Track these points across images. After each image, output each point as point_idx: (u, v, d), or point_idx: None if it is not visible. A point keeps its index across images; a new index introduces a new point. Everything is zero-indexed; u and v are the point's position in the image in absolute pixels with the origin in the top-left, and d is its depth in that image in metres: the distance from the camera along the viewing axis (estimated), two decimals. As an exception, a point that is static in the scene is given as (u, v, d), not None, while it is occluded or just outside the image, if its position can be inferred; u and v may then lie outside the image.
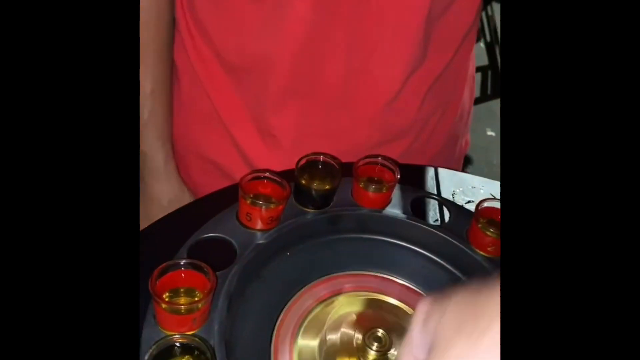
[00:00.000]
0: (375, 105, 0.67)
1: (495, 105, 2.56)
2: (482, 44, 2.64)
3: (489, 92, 2.61)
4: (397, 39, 0.62)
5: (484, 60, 2.61)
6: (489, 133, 2.51)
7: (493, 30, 2.53)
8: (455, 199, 0.72)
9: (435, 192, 0.70)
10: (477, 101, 2.58)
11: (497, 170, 2.26)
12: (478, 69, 2.72)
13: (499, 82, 2.51)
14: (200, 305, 0.45)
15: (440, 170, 0.75)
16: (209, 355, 0.41)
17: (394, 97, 0.67)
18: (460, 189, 0.74)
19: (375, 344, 0.49)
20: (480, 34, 2.59)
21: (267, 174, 0.56)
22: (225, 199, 0.57)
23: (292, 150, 0.67)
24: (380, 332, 0.50)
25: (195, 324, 0.46)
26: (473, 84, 0.84)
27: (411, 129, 0.73)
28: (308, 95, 0.66)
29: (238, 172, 0.60)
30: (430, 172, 0.75)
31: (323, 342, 0.50)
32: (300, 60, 0.62)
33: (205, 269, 0.46)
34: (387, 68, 0.64)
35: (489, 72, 2.60)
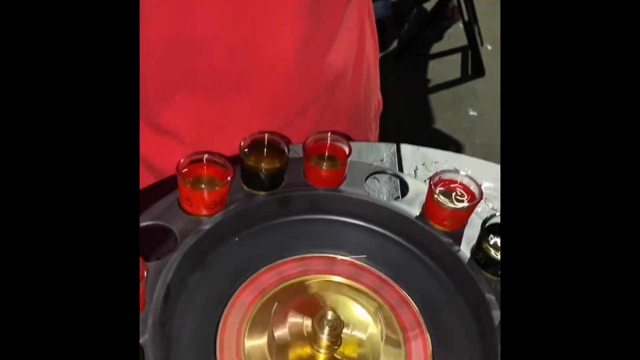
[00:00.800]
0: (272, 83, 0.63)
1: (476, 84, 2.53)
2: (460, 25, 2.61)
3: (469, 72, 2.59)
4: (281, 9, 0.57)
5: (463, 41, 2.58)
6: (472, 113, 2.49)
7: (471, 10, 2.50)
8: (418, 175, 0.69)
9: (397, 169, 0.68)
10: (458, 82, 2.56)
11: (480, 150, 2.23)
12: (458, 50, 2.70)
13: (480, 62, 2.49)
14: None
15: (403, 146, 0.73)
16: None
17: (290, 72, 0.62)
18: (423, 164, 0.71)
19: (327, 328, 0.46)
20: (458, 14, 2.56)
21: (207, 156, 0.52)
22: (166, 187, 0.54)
23: (196, 146, 0.63)
24: (329, 315, 0.47)
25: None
26: (375, 40, 0.79)
27: (317, 99, 0.69)
28: (195, 84, 0.61)
29: (142, 181, 0.56)
30: (392, 148, 0.72)
31: (271, 338, 0.47)
32: (172, 45, 0.57)
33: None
34: (275, 42, 0.60)
35: (469, 52, 2.58)
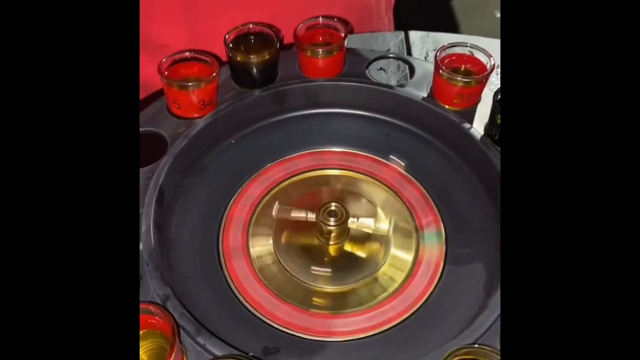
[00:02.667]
0: None
1: (503, -18, 2.34)
2: None
3: (494, -32, 2.38)
4: None
5: None
6: (498, 15, 2.32)
7: None
8: (429, 60, 0.63)
9: (405, 54, 0.62)
10: (482, -19, 2.37)
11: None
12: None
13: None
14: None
15: (411, 33, 0.67)
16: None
17: None
18: (434, 49, 0.65)
19: (332, 219, 0.44)
20: None
21: (188, 53, 0.49)
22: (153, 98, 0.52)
23: None
24: (333, 205, 0.45)
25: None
26: None
27: None
28: None
29: None
30: (400, 36, 0.66)
31: (277, 230, 0.46)
32: None
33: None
34: None
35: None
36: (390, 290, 0.43)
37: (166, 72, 0.48)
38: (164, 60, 0.48)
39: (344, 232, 0.46)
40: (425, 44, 0.66)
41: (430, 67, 0.53)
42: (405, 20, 0.85)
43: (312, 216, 0.45)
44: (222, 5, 0.58)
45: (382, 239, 0.46)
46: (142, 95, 0.58)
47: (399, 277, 0.44)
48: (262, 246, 0.46)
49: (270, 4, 0.59)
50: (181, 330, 0.36)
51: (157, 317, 0.33)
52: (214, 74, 0.48)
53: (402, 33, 0.66)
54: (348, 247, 0.45)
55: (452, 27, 2.30)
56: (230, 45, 0.51)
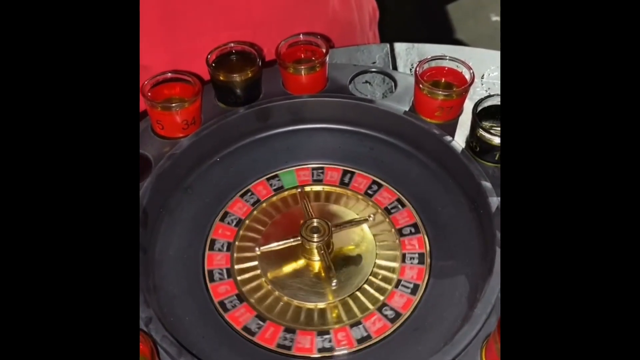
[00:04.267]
0: None
1: (497, -14, 2.35)
2: None
3: (487, -28, 2.39)
4: None
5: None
6: (494, 19, 2.32)
7: None
8: (413, 73, 0.64)
9: (390, 68, 0.63)
10: (477, -15, 2.37)
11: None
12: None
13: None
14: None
15: (397, 45, 0.67)
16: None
17: None
18: (420, 61, 0.66)
19: (315, 235, 0.45)
20: None
21: (169, 74, 0.50)
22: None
23: None
24: (315, 222, 0.45)
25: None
26: None
27: (298, 7, 0.63)
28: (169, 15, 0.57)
29: None
30: (385, 48, 0.66)
31: (262, 255, 0.46)
32: None
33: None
34: None
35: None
36: (374, 304, 0.43)
37: (149, 94, 0.49)
38: (146, 82, 0.49)
39: (329, 245, 0.46)
40: (410, 56, 0.66)
41: (412, 79, 0.54)
42: (396, 26, 0.85)
43: (296, 240, 0.46)
44: (203, 25, 0.59)
45: (365, 246, 0.46)
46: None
47: (390, 280, 0.44)
48: (247, 264, 0.46)
49: (251, 23, 0.59)
50: (163, 353, 0.36)
51: (136, 341, 0.33)
52: (197, 94, 0.49)
53: (387, 45, 0.67)
54: (335, 260, 0.45)
55: (447, 31, 2.31)
56: (213, 64, 0.51)
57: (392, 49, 0.67)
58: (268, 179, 0.51)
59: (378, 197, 0.49)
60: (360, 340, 0.41)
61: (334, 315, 0.43)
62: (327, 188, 0.51)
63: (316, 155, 0.53)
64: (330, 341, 0.41)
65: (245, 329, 0.42)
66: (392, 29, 0.88)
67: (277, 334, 0.41)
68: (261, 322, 0.42)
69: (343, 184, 0.51)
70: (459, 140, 0.48)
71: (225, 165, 0.52)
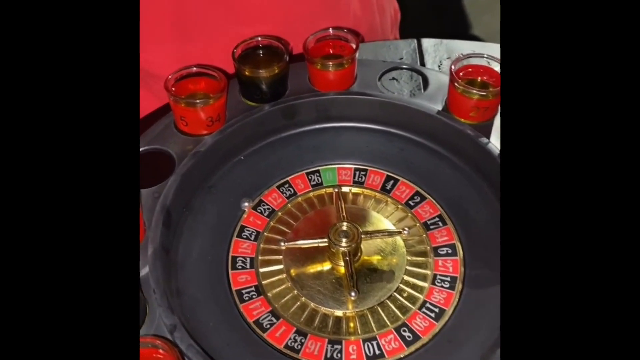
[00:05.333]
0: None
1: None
2: None
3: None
4: None
5: None
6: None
7: None
8: (442, 70, 0.62)
9: (418, 64, 0.60)
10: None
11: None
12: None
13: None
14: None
15: (424, 41, 0.65)
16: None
17: None
18: (448, 57, 0.63)
19: (343, 239, 0.43)
20: None
21: (195, 69, 0.48)
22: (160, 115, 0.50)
23: None
24: (345, 226, 0.43)
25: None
26: None
27: (320, 12, 0.61)
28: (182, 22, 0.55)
29: None
30: (412, 44, 0.64)
31: (287, 254, 0.44)
32: None
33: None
34: None
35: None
36: (393, 322, 0.41)
37: (173, 88, 0.47)
38: (170, 76, 0.47)
39: (357, 253, 0.44)
40: (439, 52, 0.64)
41: (445, 77, 0.52)
42: (413, 20, 0.82)
43: (322, 242, 0.44)
44: (223, 20, 0.57)
45: (396, 260, 0.44)
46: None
47: (415, 300, 0.42)
48: (271, 256, 0.44)
49: (272, 28, 0.57)
50: (189, 362, 0.34)
51: (162, 351, 0.32)
52: (222, 90, 0.47)
53: (415, 41, 0.64)
54: (361, 269, 0.44)
55: (463, 26, 2.27)
56: (238, 59, 0.49)
57: (419, 45, 0.64)
58: (308, 174, 0.49)
59: (419, 210, 0.47)
60: (371, 358, 0.39)
61: (350, 325, 0.41)
62: (366, 192, 0.49)
63: (343, 154, 0.51)
64: (340, 352, 0.39)
65: (257, 323, 0.41)
66: (405, 24, 0.86)
67: (288, 335, 0.40)
68: (274, 319, 0.41)
69: (384, 190, 0.48)
70: (495, 143, 0.46)
71: (249, 164, 0.50)
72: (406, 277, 0.43)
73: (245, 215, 0.47)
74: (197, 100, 0.46)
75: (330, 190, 0.49)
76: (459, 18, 2.22)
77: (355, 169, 0.50)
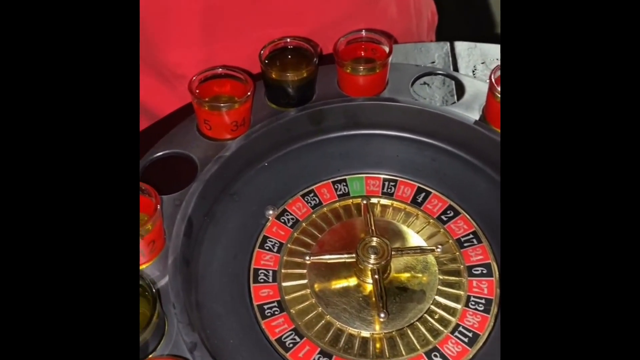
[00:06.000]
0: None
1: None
2: None
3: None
4: None
5: None
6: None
7: None
8: (477, 76, 0.59)
9: (451, 69, 0.58)
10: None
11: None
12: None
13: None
14: (149, 227, 0.37)
15: (457, 44, 0.62)
16: (148, 296, 0.34)
17: None
18: (483, 62, 0.60)
19: (372, 255, 0.41)
20: None
21: (220, 70, 0.46)
22: (162, 128, 0.48)
23: None
24: (374, 241, 0.41)
25: (153, 253, 0.39)
26: None
27: (354, 14, 0.59)
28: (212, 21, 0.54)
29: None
30: (445, 47, 0.61)
31: (312, 268, 0.43)
32: None
33: (147, 191, 0.39)
34: None
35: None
36: (423, 347, 0.39)
37: (197, 91, 0.45)
38: (194, 77, 0.45)
39: (386, 270, 0.42)
40: (473, 56, 0.61)
41: (482, 84, 0.49)
42: (446, 22, 0.80)
43: (350, 257, 0.42)
44: (252, 21, 0.55)
45: (427, 278, 0.42)
46: (151, 122, 0.55)
47: (447, 323, 0.40)
48: (296, 281, 0.43)
49: (303, 29, 0.54)
50: (209, 384, 0.33)
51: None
52: (249, 93, 0.45)
53: (448, 44, 0.62)
54: (390, 287, 0.42)
55: (489, 27, 2.21)
56: (266, 61, 0.47)
57: (452, 48, 0.62)
58: (334, 183, 0.48)
59: (452, 226, 0.45)
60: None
61: (377, 347, 0.39)
62: (396, 204, 0.47)
63: (372, 163, 0.49)
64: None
65: (280, 341, 0.39)
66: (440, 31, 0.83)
67: (312, 355, 0.38)
68: (297, 338, 0.39)
69: (415, 202, 0.46)
70: (537, 157, 0.43)
71: (273, 171, 0.48)
72: (438, 298, 0.41)
73: (268, 225, 0.45)
74: (222, 104, 0.45)
75: (357, 200, 0.47)
76: (493, 20, 2.17)
77: (385, 179, 0.48)
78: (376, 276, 0.41)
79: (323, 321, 0.40)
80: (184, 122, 0.48)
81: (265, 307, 0.41)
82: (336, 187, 0.48)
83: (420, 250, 0.43)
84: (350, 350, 0.39)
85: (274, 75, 0.47)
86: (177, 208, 0.41)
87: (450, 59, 0.60)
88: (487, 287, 0.41)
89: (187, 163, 0.45)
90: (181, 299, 0.37)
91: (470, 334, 0.39)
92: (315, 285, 0.42)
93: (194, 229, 0.42)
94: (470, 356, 0.38)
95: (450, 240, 0.44)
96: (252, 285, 0.42)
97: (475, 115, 0.47)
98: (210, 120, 0.45)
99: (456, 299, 0.41)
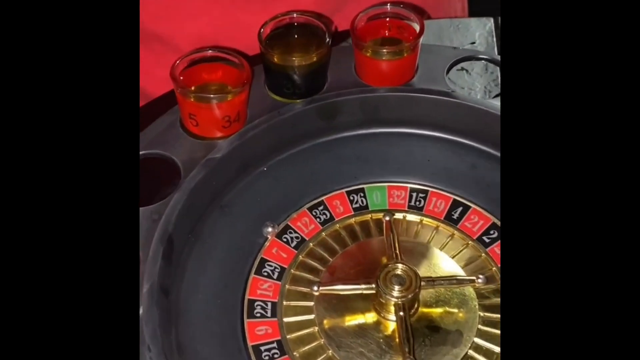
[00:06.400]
0: None
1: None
2: None
3: None
4: None
5: None
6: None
7: None
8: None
9: (496, 53, 0.57)
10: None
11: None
12: None
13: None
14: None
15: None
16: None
17: None
18: (534, 44, 0.60)
19: (396, 286, 0.41)
20: None
21: (210, 52, 0.46)
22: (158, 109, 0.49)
23: None
24: (399, 269, 0.41)
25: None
26: None
27: None
28: None
29: None
30: (487, 24, 0.61)
31: (319, 303, 0.42)
32: None
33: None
34: None
35: None
36: None
37: (181, 77, 0.45)
38: (177, 61, 0.45)
39: (414, 304, 0.42)
40: (522, 36, 0.60)
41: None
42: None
43: (368, 288, 0.42)
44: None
45: (464, 315, 0.42)
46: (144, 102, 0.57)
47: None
48: (301, 316, 0.42)
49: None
50: None
51: None
52: (245, 82, 0.45)
53: (491, 21, 0.61)
54: (418, 326, 0.41)
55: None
56: (266, 41, 0.47)
57: (496, 26, 0.61)
58: (349, 193, 0.48)
59: (496, 249, 0.44)
60: None
61: None
62: (426, 220, 0.47)
63: (396, 170, 0.49)
64: None
65: None
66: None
67: None
68: None
69: (450, 219, 0.46)
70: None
71: (274, 178, 0.49)
72: (478, 340, 0.41)
73: (267, 245, 0.45)
74: (212, 94, 0.45)
75: (378, 216, 0.47)
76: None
77: (412, 190, 0.48)
78: (401, 312, 0.40)
79: (334, 368, 0.40)
80: (164, 116, 0.48)
81: (263, 348, 0.40)
82: (352, 198, 0.48)
83: (457, 280, 0.43)
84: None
85: (276, 59, 0.47)
86: (155, 224, 0.41)
87: (495, 39, 0.60)
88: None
89: (168, 167, 0.45)
90: (158, 340, 0.37)
91: None
92: (325, 322, 0.42)
93: (175, 249, 0.42)
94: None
95: (494, 268, 0.44)
96: (246, 320, 0.42)
97: (526, 112, 0.46)
98: (197, 115, 0.45)
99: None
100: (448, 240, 0.45)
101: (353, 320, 0.42)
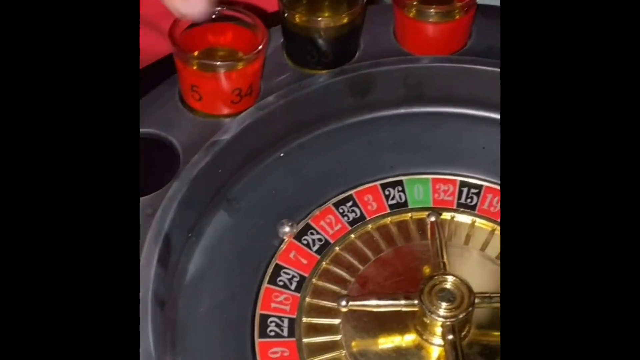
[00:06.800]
0: None
1: None
2: None
3: None
4: None
5: None
6: None
7: None
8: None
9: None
10: None
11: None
12: None
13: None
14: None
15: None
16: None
17: None
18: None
19: (443, 303, 0.41)
20: None
21: (218, 9, 0.46)
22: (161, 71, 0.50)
23: None
24: (449, 282, 0.42)
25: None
26: None
27: None
28: None
29: None
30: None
31: (347, 320, 0.43)
32: None
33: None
34: None
35: None
36: None
37: (181, 40, 0.46)
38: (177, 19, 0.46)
39: (465, 325, 0.42)
40: None
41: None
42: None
43: (408, 304, 0.43)
44: None
45: None
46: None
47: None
48: (323, 336, 0.43)
49: None
50: None
51: None
52: (260, 47, 0.46)
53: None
54: (469, 353, 0.42)
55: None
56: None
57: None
58: (385, 187, 0.49)
59: None
60: None
61: None
62: (480, 222, 0.47)
63: (443, 158, 0.50)
64: None
65: None
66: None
67: None
68: None
69: (488, 215, 0.48)
70: None
71: (292, 166, 0.50)
72: None
73: (283, 249, 0.46)
74: (219, 62, 0.46)
75: (420, 215, 0.48)
76: None
77: (462, 184, 0.49)
78: (450, 336, 0.41)
79: (365, 402, 0.41)
80: (161, 87, 0.49)
81: (278, 375, 0.41)
82: (387, 192, 0.49)
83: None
84: None
85: (298, 20, 0.48)
86: (149, 220, 0.42)
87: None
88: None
89: (164, 150, 0.46)
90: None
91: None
92: (354, 345, 0.42)
93: (172, 252, 0.43)
94: None
95: (563, 282, 0.44)
96: (257, 340, 0.42)
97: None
98: (200, 87, 0.46)
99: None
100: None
101: (388, 343, 0.43)
